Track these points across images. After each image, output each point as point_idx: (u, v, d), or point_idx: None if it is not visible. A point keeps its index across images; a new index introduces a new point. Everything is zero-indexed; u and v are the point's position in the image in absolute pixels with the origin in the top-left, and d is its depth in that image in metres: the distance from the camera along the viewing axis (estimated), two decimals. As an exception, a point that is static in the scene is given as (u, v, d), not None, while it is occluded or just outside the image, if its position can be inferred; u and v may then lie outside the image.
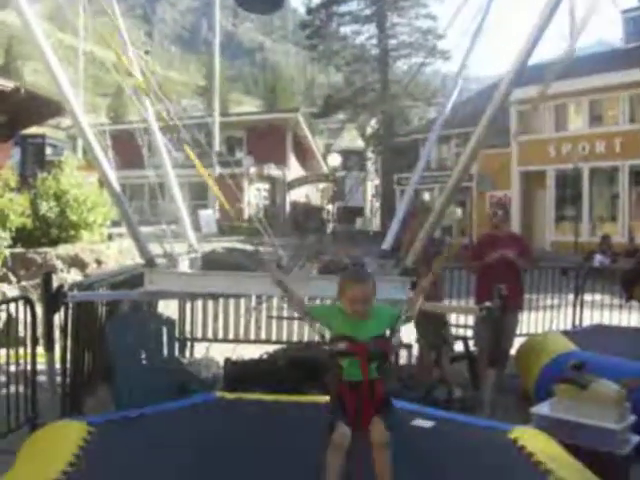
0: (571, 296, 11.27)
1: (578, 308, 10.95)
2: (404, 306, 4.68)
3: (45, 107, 15.19)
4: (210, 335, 9.89)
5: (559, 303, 11.96)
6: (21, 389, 6.47)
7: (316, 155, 51.95)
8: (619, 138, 29.39)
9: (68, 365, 6.65)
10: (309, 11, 48.08)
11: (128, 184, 26.60)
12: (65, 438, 4.41)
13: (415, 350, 8.30)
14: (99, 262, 12.74)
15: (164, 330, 7.27)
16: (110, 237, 15.38)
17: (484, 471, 4.34)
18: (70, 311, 6.53)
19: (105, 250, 13.40)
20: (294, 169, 46.30)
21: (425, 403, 6.16)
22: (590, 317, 11.14)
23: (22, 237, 12.86)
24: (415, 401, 6.06)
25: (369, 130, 52.28)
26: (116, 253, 13.56)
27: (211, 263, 6.56)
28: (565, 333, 8.85)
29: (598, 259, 22.19)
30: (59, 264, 12.19)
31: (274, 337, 9.82)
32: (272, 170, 43.08)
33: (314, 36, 47.69)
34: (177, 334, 8.53)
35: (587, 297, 11.41)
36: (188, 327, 9.69)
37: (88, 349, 7.17)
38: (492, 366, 6.25)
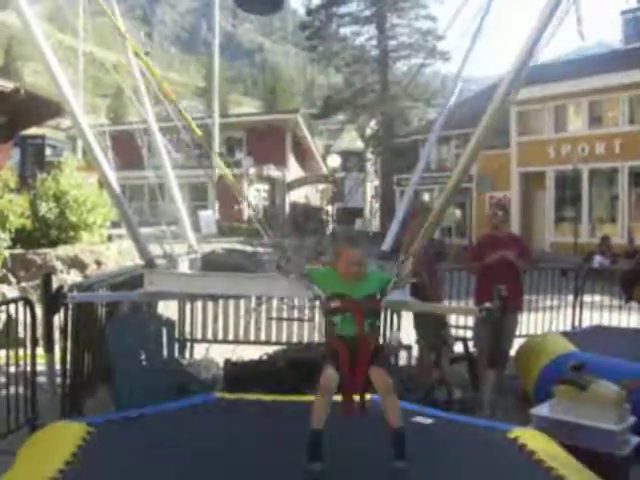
0: (571, 297, 11.28)
1: (578, 309, 10.97)
2: (395, 271, 5.26)
3: (45, 108, 15.20)
4: (210, 336, 9.88)
5: (559, 304, 11.96)
6: (21, 390, 6.47)
7: (316, 156, 51.97)
8: (619, 139, 29.40)
9: (68, 366, 6.66)
10: (309, 12, 48.09)
11: (128, 185, 26.65)
12: (65, 439, 4.42)
13: (415, 351, 8.29)
14: (99, 263, 12.74)
15: (164, 331, 7.28)
16: (110, 238, 15.40)
17: (484, 472, 4.34)
18: (70, 312, 6.53)
19: (105, 251, 13.40)
20: (293, 170, 46.32)
21: (425, 404, 6.16)
22: (590, 318, 11.15)
23: (22, 238, 12.87)
24: (415, 402, 6.07)
25: (369, 131, 52.31)
26: (116, 254, 13.57)
27: (211, 264, 6.56)
28: (565, 334, 8.86)
29: (598, 260, 22.20)
30: (59, 265, 12.20)
31: (274, 338, 9.81)
32: (272, 171, 43.11)
33: (314, 37, 47.71)
34: (177, 335, 8.53)
35: (587, 298, 11.42)
36: (188, 328, 9.69)
37: (88, 350, 7.18)
38: (492, 367, 6.25)
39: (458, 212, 36.40)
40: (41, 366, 6.37)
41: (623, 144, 29.05)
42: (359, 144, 56.01)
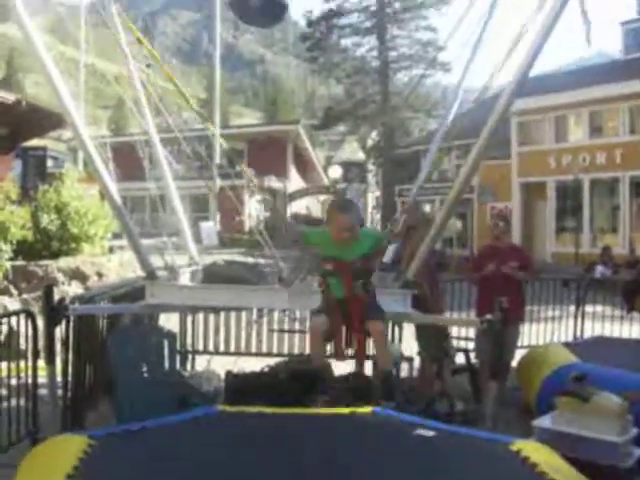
0: (572, 307, 11.27)
1: (579, 320, 10.94)
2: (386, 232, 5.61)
3: (46, 119, 15.24)
4: (211, 348, 9.87)
5: (560, 315, 11.94)
6: (22, 402, 6.46)
7: (317, 167, 51.98)
8: (619, 149, 29.40)
9: (69, 378, 6.66)
10: (310, 23, 48.19)
11: (129, 196, 26.67)
12: (66, 452, 4.40)
13: (416, 363, 8.28)
14: (100, 275, 12.74)
15: (165, 343, 7.27)
16: (111, 250, 15.39)
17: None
18: (71, 324, 6.53)
19: (106, 263, 13.40)
20: (295, 181, 46.35)
21: (426, 416, 6.14)
22: (591, 328, 11.13)
23: (23, 250, 12.87)
24: (416, 414, 6.05)
25: (370, 142, 52.36)
26: (117, 266, 13.57)
27: (212, 276, 6.56)
28: (566, 345, 8.84)
29: (599, 270, 22.18)
30: (60, 277, 12.19)
31: (275, 350, 9.80)
32: (273, 182, 43.12)
33: (315, 48, 47.81)
34: (178, 347, 8.52)
35: (588, 308, 11.40)
36: (189, 340, 9.68)
37: (89, 362, 7.17)
38: (494, 379, 6.24)
39: (459, 223, 36.37)
40: (42, 378, 6.36)
41: (624, 154, 29.05)
42: (360, 155, 56.07)
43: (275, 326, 9.29)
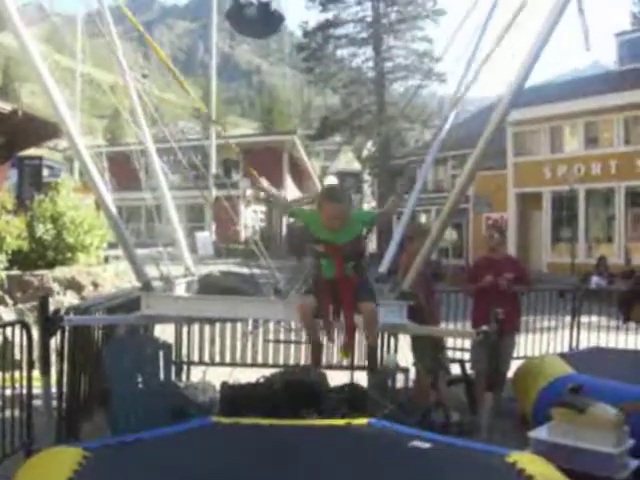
0: (568, 318, 11.26)
1: (575, 330, 10.94)
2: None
3: (43, 129, 15.22)
4: (207, 359, 9.85)
5: (556, 325, 11.95)
6: (17, 413, 6.44)
7: (313, 177, 52.02)
8: (614, 160, 29.48)
9: (64, 389, 6.63)
10: (306, 34, 48.35)
11: (125, 206, 26.61)
12: (60, 464, 4.38)
13: (412, 374, 8.27)
14: (96, 285, 12.71)
15: (161, 354, 7.25)
16: (106, 259, 15.37)
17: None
18: (66, 335, 6.51)
19: (102, 273, 13.38)
20: (291, 191, 46.36)
21: (422, 427, 6.13)
22: (587, 339, 11.13)
23: (18, 259, 12.85)
24: (412, 425, 6.04)
25: (365, 152, 52.45)
26: (112, 276, 13.55)
27: (208, 287, 6.55)
28: (562, 356, 8.83)
29: (595, 281, 22.21)
30: (55, 287, 12.17)
31: (271, 361, 9.79)
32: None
33: (311, 59, 47.97)
34: (174, 358, 8.50)
35: (584, 319, 11.40)
36: (185, 351, 9.66)
37: (84, 373, 7.14)
38: (490, 390, 6.24)
39: (454, 233, 36.44)
40: (37, 389, 6.34)
41: (619, 164, 29.13)
42: (356, 165, 56.12)
43: (271, 337, 9.28)
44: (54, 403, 6.39)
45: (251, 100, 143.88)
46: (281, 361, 9.72)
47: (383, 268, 7.61)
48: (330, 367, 9.16)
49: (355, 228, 5.34)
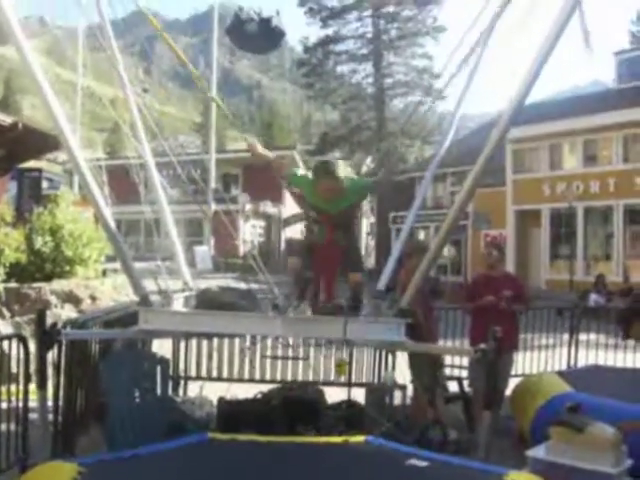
0: (566, 336, 11.24)
1: (573, 348, 10.91)
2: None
3: (43, 142, 15.23)
4: (204, 374, 9.82)
5: (554, 343, 11.93)
6: (12, 427, 6.41)
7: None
8: (613, 177, 29.57)
9: (61, 403, 6.60)
10: (306, 50, 48.47)
11: (124, 220, 26.66)
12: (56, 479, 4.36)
13: (410, 391, 8.24)
14: (93, 298, 12.68)
15: (158, 369, 7.23)
16: (104, 273, 15.34)
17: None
18: (64, 348, 6.49)
19: (99, 286, 13.36)
20: (290, 206, 46.36)
21: (420, 445, 6.11)
22: (585, 357, 11.10)
23: (16, 272, 12.83)
24: (410, 443, 6.02)
25: (365, 168, 52.49)
26: (110, 289, 13.52)
27: (206, 302, 6.52)
28: (560, 374, 8.81)
29: (593, 298, 22.23)
30: (53, 299, 12.14)
31: (268, 376, 9.76)
32: (268, 207, 43.14)
33: (311, 74, 48.06)
34: (171, 372, 8.47)
35: (582, 336, 11.37)
36: (182, 365, 9.63)
37: (81, 387, 7.11)
38: (487, 408, 6.20)
39: (452, 250, 36.45)
40: (34, 402, 6.31)
41: (617, 182, 29.21)
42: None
43: (268, 353, 9.25)
44: (50, 417, 6.36)
45: (251, 115, 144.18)
46: (279, 377, 9.69)
47: (381, 284, 7.59)
48: (327, 384, 9.14)
49: (349, 197, 5.66)
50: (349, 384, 8.59)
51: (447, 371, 9.04)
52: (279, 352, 8.82)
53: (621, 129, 29.00)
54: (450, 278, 33.08)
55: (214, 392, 8.34)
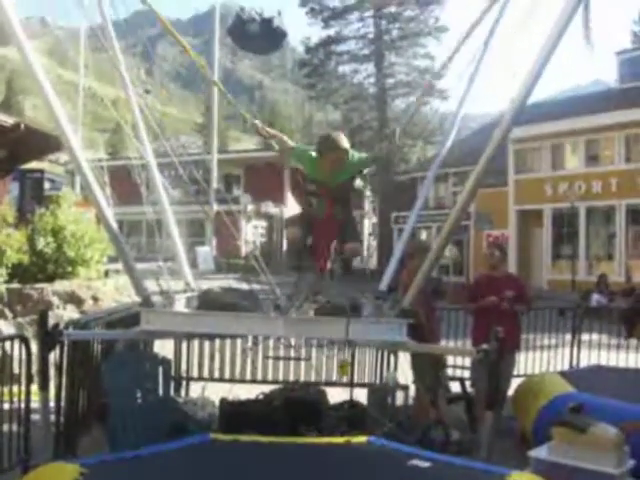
0: (568, 336, 11.23)
1: (575, 348, 10.90)
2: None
3: (45, 142, 15.22)
4: (206, 375, 9.82)
5: (556, 343, 11.91)
6: (14, 428, 6.41)
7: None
8: (615, 177, 29.55)
9: (63, 404, 6.60)
10: (308, 50, 48.48)
11: (126, 220, 26.65)
12: (57, 480, 4.36)
13: (412, 391, 8.23)
14: (96, 299, 12.68)
15: (160, 369, 7.23)
16: (107, 274, 15.33)
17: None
18: (66, 349, 6.49)
19: (102, 287, 13.35)
20: (292, 206, 46.36)
21: (422, 445, 6.10)
22: (588, 357, 11.09)
23: (19, 273, 12.83)
24: (412, 443, 6.01)
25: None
26: (112, 290, 13.52)
27: (208, 303, 6.52)
28: (563, 374, 8.79)
29: (595, 298, 22.20)
30: (55, 300, 12.14)
31: (270, 377, 9.76)
32: (270, 208, 43.13)
33: (312, 75, 48.08)
34: (173, 373, 8.47)
35: (584, 337, 11.36)
36: (184, 366, 9.63)
37: (83, 388, 7.12)
38: (490, 408, 6.19)
39: (454, 250, 36.40)
40: (36, 403, 6.31)
41: (619, 182, 29.19)
42: (357, 182, 55.99)
43: (270, 353, 9.25)
44: (52, 418, 6.36)
45: (253, 115, 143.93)
46: (281, 378, 9.69)
47: (383, 285, 7.58)
48: (329, 384, 9.14)
49: (349, 170, 5.90)
50: (351, 384, 8.58)
51: (449, 371, 9.04)
52: (281, 353, 8.82)
53: (623, 129, 28.99)
54: (452, 278, 33.09)
55: (216, 393, 8.34)
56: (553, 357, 11.21)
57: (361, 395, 8.37)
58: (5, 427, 6.42)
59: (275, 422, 6.78)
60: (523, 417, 7.90)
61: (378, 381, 9.13)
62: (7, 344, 6.75)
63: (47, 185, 23.95)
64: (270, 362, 9.62)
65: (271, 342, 8.92)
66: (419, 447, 5.72)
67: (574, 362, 10.78)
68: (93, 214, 12.52)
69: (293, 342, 8.15)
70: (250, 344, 9.34)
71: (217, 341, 9.52)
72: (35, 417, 6.38)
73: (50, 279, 13.10)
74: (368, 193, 50.52)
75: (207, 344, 9.73)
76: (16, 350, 6.51)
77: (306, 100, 67.48)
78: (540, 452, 6.04)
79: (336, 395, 8.32)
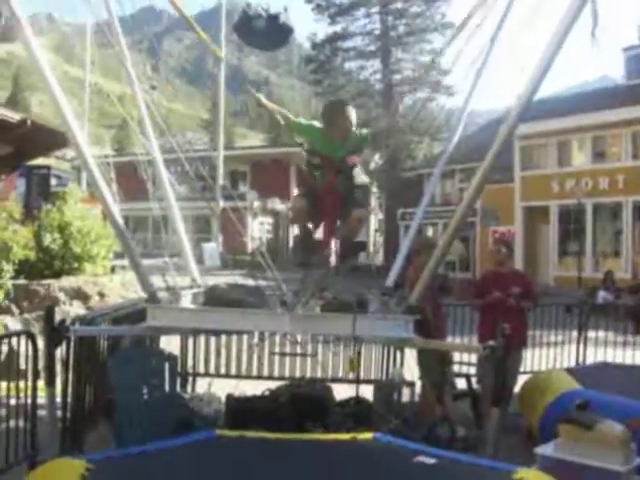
0: (575, 333, 11.19)
1: (582, 345, 10.87)
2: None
3: (51, 138, 15.23)
4: (212, 371, 9.83)
5: (563, 340, 11.89)
6: (21, 423, 6.42)
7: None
8: (622, 174, 29.48)
9: (69, 399, 6.61)
10: (314, 46, 48.43)
11: (132, 216, 26.67)
12: (64, 476, 4.36)
13: (418, 388, 8.23)
14: (102, 295, 12.70)
15: (166, 365, 7.24)
16: (113, 270, 15.36)
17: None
18: (72, 345, 6.50)
19: (108, 283, 13.37)
20: (298, 203, 46.31)
21: (428, 442, 6.09)
22: (594, 354, 11.06)
23: (25, 269, 12.85)
24: (418, 440, 6.01)
25: (373, 165, 52.39)
26: (119, 286, 13.53)
27: (214, 299, 6.52)
28: (569, 371, 8.77)
29: (602, 295, 22.14)
30: (62, 296, 12.17)
31: (276, 373, 9.76)
32: (276, 204, 43.15)
33: (319, 71, 48.05)
34: (179, 369, 8.48)
35: (591, 334, 11.32)
36: (190, 362, 9.64)
37: (89, 384, 7.13)
38: (496, 405, 6.19)
39: (460, 245, 36.32)
40: (42, 399, 6.32)
41: (627, 179, 29.12)
42: (364, 178, 56.03)
43: (276, 349, 9.25)
44: (59, 413, 6.38)
45: (259, 112, 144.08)
46: (287, 374, 9.69)
47: (390, 281, 7.58)
48: (335, 380, 9.13)
49: (351, 142, 5.96)
50: (357, 381, 8.58)
51: (455, 368, 9.02)
52: (287, 349, 8.83)
53: (630, 125, 28.91)
54: (458, 275, 33.05)
55: (222, 389, 8.34)
56: (559, 354, 11.19)
57: (367, 392, 8.36)
58: (12, 423, 6.43)
59: (281, 418, 6.78)
60: (529, 414, 7.88)
61: (384, 377, 9.12)
62: (14, 340, 6.77)
63: (53, 181, 23.98)
64: (276, 358, 9.62)
65: (277, 338, 8.94)
66: (425, 444, 5.72)
67: (580, 359, 10.75)
68: (99, 210, 12.52)
69: (299, 338, 8.16)
70: (256, 340, 9.34)
71: (223, 337, 9.52)
72: (42, 413, 6.40)
73: (56, 275, 13.12)
74: (374, 189, 50.47)
75: (213, 340, 9.74)
76: (23, 346, 6.52)
77: (312, 96, 67.44)
78: (546, 449, 6.03)
79: (342, 391, 8.31)
